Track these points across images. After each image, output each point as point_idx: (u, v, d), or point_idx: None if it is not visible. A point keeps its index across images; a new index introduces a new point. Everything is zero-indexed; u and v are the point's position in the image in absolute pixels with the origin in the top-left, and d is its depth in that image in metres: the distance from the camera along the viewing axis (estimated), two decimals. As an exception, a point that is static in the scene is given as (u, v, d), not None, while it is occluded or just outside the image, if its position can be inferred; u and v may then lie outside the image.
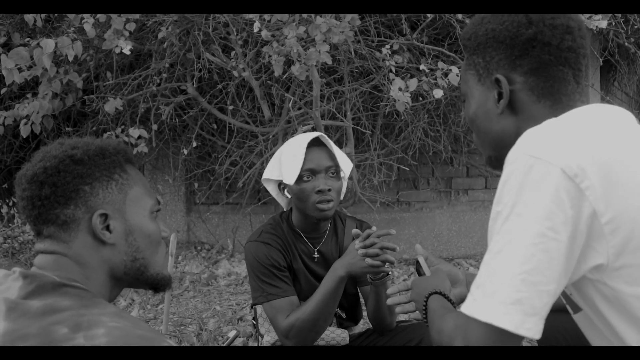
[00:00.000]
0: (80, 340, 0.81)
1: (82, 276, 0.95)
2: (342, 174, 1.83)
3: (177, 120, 3.94)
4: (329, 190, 1.75)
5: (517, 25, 1.03)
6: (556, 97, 1.04)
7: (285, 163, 1.79)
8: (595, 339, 0.99)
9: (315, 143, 1.80)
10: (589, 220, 0.88)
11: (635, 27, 4.03)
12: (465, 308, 0.93)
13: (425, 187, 4.44)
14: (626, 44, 4.03)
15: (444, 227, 4.42)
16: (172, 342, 0.85)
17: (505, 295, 0.87)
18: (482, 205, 4.54)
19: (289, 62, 2.91)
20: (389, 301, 1.43)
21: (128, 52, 3.03)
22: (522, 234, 0.88)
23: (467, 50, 1.11)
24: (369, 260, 1.63)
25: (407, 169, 4.03)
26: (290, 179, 1.76)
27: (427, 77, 3.12)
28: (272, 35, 2.78)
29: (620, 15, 3.63)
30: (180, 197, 4.50)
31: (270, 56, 2.75)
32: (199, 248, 4.40)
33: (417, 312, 1.32)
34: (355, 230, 1.71)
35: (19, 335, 0.83)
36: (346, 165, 1.85)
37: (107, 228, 0.97)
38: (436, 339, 1.02)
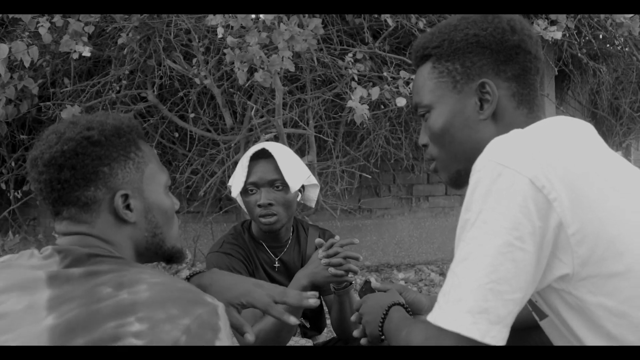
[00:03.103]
0: (124, 296, 0.84)
1: (111, 250, 0.97)
2: (290, 187, 1.76)
3: (137, 127, 3.87)
4: (270, 204, 1.74)
5: (501, 31, 1.04)
6: (531, 105, 1.06)
7: (234, 175, 1.79)
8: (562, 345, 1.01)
9: (263, 155, 1.77)
10: (556, 231, 0.88)
11: (587, 38, 4.18)
12: (432, 317, 0.91)
13: (386, 194, 4.48)
14: (579, 54, 4.17)
15: (405, 233, 4.46)
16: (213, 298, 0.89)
17: (473, 304, 0.86)
18: (442, 211, 4.61)
19: (251, 70, 2.90)
20: (353, 318, 1.42)
21: (88, 54, 2.96)
22: (489, 242, 0.87)
23: (437, 58, 1.08)
24: (332, 270, 1.63)
25: (369, 176, 4.06)
26: (235, 191, 1.78)
27: (389, 86, 3.16)
28: (241, 38, 2.76)
29: (573, 27, 3.76)
30: (140, 205, 4.42)
31: (232, 63, 2.72)
32: (159, 257, 4.33)
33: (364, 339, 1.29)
34: (318, 240, 1.71)
35: (65, 298, 0.85)
36: (296, 177, 1.77)
37: (128, 207, 0.99)
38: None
